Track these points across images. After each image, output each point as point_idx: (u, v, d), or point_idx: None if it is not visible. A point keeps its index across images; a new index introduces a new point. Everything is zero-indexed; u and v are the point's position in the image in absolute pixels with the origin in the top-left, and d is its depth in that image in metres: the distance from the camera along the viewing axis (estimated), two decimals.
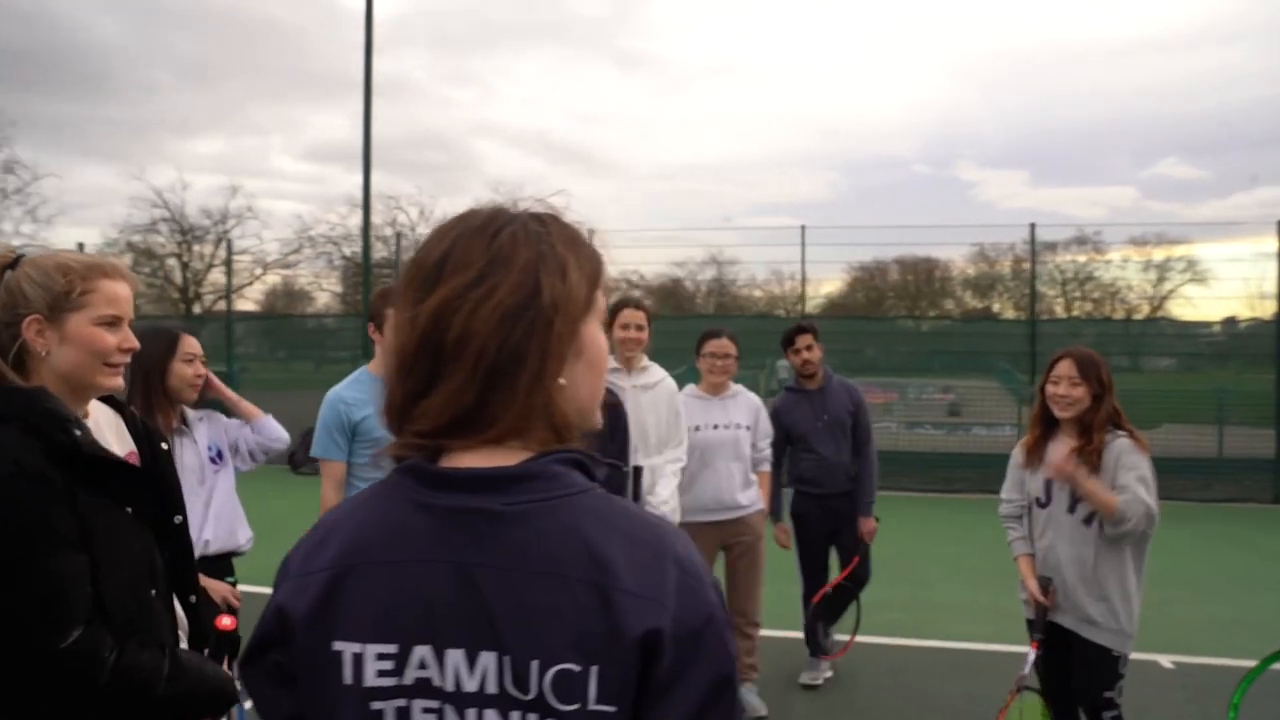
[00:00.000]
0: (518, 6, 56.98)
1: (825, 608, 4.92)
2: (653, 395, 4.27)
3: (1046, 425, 3.47)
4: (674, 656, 0.90)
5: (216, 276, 32.10)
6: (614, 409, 3.92)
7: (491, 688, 0.91)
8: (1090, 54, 54.23)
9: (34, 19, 41.51)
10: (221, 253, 32.75)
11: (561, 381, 0.97)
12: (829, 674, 4.96)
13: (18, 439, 1.56)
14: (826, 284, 30.08)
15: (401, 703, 0.93)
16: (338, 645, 0.94)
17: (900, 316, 29.52)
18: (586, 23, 56.16)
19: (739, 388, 4.68)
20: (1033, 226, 13.34)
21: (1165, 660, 5.21)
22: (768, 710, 4.48)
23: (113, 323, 1.74)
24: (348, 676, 0.94)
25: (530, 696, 0.90)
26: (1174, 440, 11.79)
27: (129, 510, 1.70)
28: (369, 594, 0.95)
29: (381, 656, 0.93)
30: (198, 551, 3.13)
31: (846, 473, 4.89)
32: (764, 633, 4.66)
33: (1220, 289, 20.08)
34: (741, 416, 4.57)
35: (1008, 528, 3.63)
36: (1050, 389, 3.42)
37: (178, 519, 1.84)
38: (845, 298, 31.75)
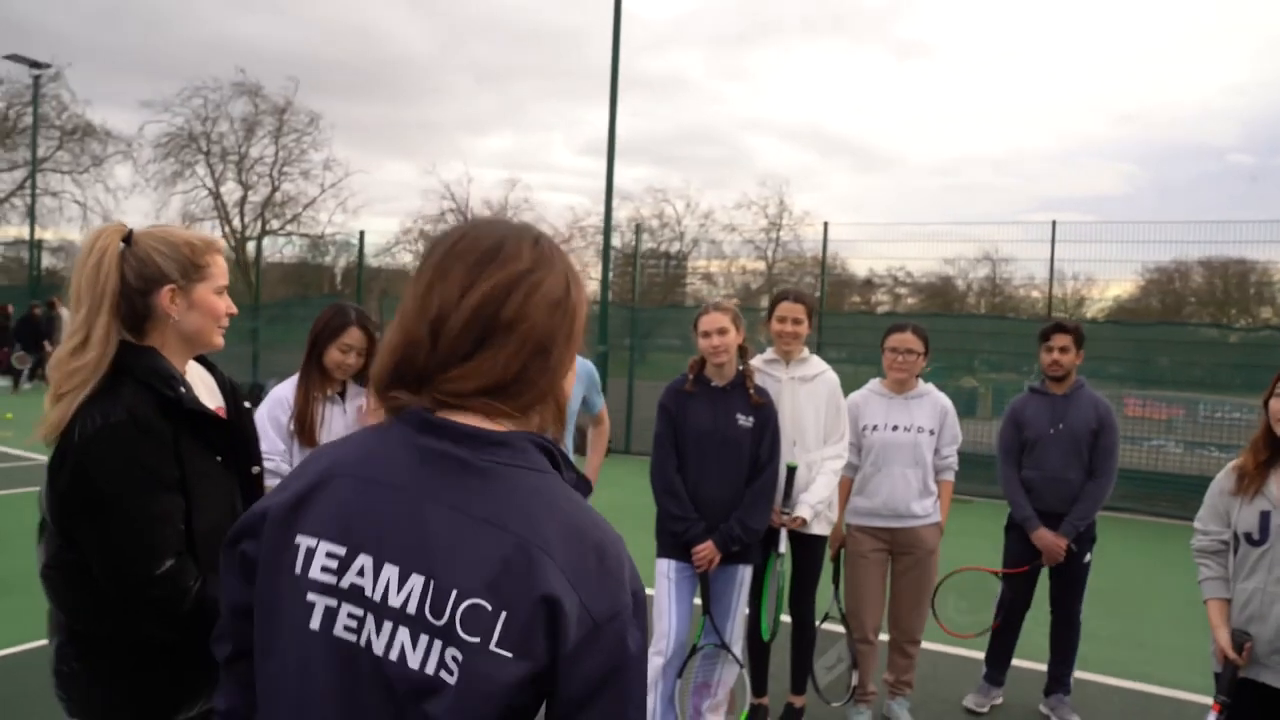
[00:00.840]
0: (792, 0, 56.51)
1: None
2: (811, 387, 4.16)
3: (1272, 447, 3.02)
4: (577, 638, 1.01)
5: None
6: (762, 409, 3.88)
7: (411, 608, 1.02)
8: None
9: (350, 32, 46.84)
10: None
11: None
12: (998, 701, 4.61)
13: (132, 391, 1.81)
14: (1115, 286, 27.57)
15: (332, 602, 1.06)
16: (299, 539, 1.10)
17: (1202, 324, 26.48)
18: (863, 13, 54.76)
19: (928, 387, 4.39)
20: None
21: None
22: None
23: (222, 291, 2.01)
24: (298, 567, 1.08)
25: (441, 623, 1.01)
26: None
27: (219, 459, 1.95)
28: (336, 500, 1.09)
29: (330, 555, 1.07)
30: None
31: (1069, 492, 4.45)
32: (937, 648, 4.39)
33: None
34: (924, 419, 4.28)
35: (1200, 564, 3.19)
36: (1275, 404, 2.97)
37: (255, 469, 2.07)
38: (1136, 301, 28.97)
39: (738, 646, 3.88)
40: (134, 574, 1.77)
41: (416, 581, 1.02)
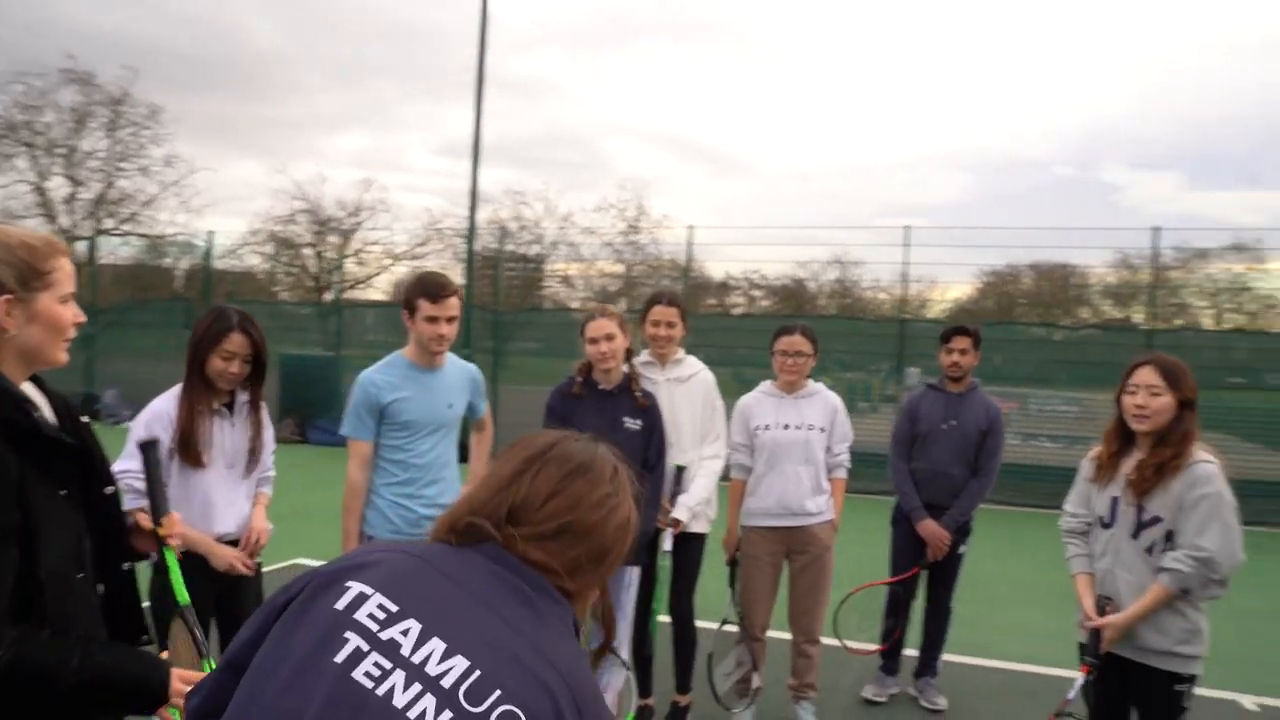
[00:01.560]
0: (658, 6, 57.27)
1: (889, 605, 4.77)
2: (687, 388, 4.22)
3: (1123, 440, 3.24)
4: None
5: (348, 266, 33.61)
6: (648, 411, 3.91)
7: (447, 683, 1.08)
8: (1255, 48, 50.51)
9: (195, 23, 44.44)
10: (354, 243, 34.34)
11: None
12: (895, 690, 4.79)
13: None
14: (955, 288, 29.16)
15: (365, 646, 1.10)
16: (350, 583, 1.16)
17: (1031, 324, 28.30)
18: (720, 20, 56.03)
19: (817, 386, 4.44)
20: (1155, 230, 12.60)
21: (1248, 701, 4.83)
22: None
23: (68, 299, 1.75)
24: (341, 604, 1.13)
25: (476, 710, 1.07)
26: None
27: (63, 493, 1.68)
28: (402, 569, 1.18)
29: (381, 607, 1.13)
30: (235, 535, 3.22)
31: (952, 486, 4.66)
32: (834, 643, 4.51)
33: None
34: (816, 417, 4.32)
35: (1068, 543, 3.39)
36: (1127, 399, 3.17)
37: (109, 490, 1.85)
38: (974, 303, 30.68)
39: (625, 649, 3.88)
40: None
41: (460, 663, 1.09)
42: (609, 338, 3.83)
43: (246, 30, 47.64)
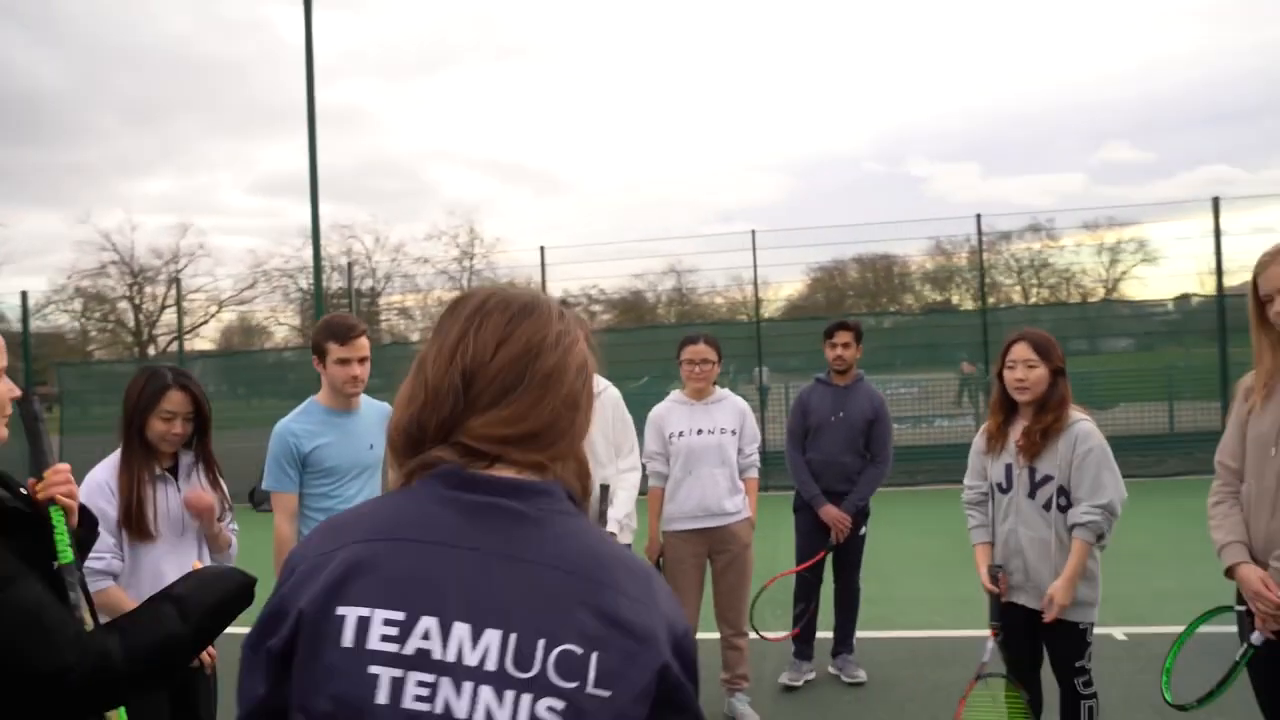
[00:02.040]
0: (467, 29, 56.99)
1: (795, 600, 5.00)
2: (598, 404, 4.30)
3: (1007, 410, 3.55)
4: (661, 660, 1.04)
5: (170, 316, 31.85)
6: None
7: (491, 664, 0.99)
8: (1033, 42, 55.32)
9: None
10: (175, 292, 32.55)
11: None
12: (811, 676, 5.01)
13: None
14: (787, 287, 30.33)
15: (398, 673, 0.99)
16: (340, 610, 1.02)
17: (860, 314, 29.87)
18: (535, 44, 56.35)
19: (724, 392, 4.65)
20: (978, 218, 13.61)
21: (1119, 632, 5.36)
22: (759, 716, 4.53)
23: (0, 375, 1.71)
24: (348, 639, 1.00)
25: (530, 675, 0.99)
26: (1130, 419, 12.05)
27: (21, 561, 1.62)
28: (384, 567, 1.03)
29: (388, 622, 1.00)
30: None
31: (845, 473, 4.93)
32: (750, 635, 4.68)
33: (1171, 267, 20.46)
34: (726, 421, 4.53)
35: (969, 514, 3.70)
36: (1007, 374, 3.48)
37: (55, 565, 1.77)
38: (806, 299, 32.04)
39: None
40: (47, 681, 1.53)
41: (493, 637, 1.00)
42: None
43: (20, 70, 44.28)
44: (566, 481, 1.14)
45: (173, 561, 3.04)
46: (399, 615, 1.01)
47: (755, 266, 13.49)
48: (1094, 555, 3.43)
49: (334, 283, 30.84)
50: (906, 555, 7.85)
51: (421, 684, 0.99)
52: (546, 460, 1.12)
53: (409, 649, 1.00)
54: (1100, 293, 28.33)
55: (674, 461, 4.50)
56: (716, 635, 4.58)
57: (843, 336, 5.02)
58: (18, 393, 1.73)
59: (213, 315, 30.71)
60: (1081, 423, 3.44)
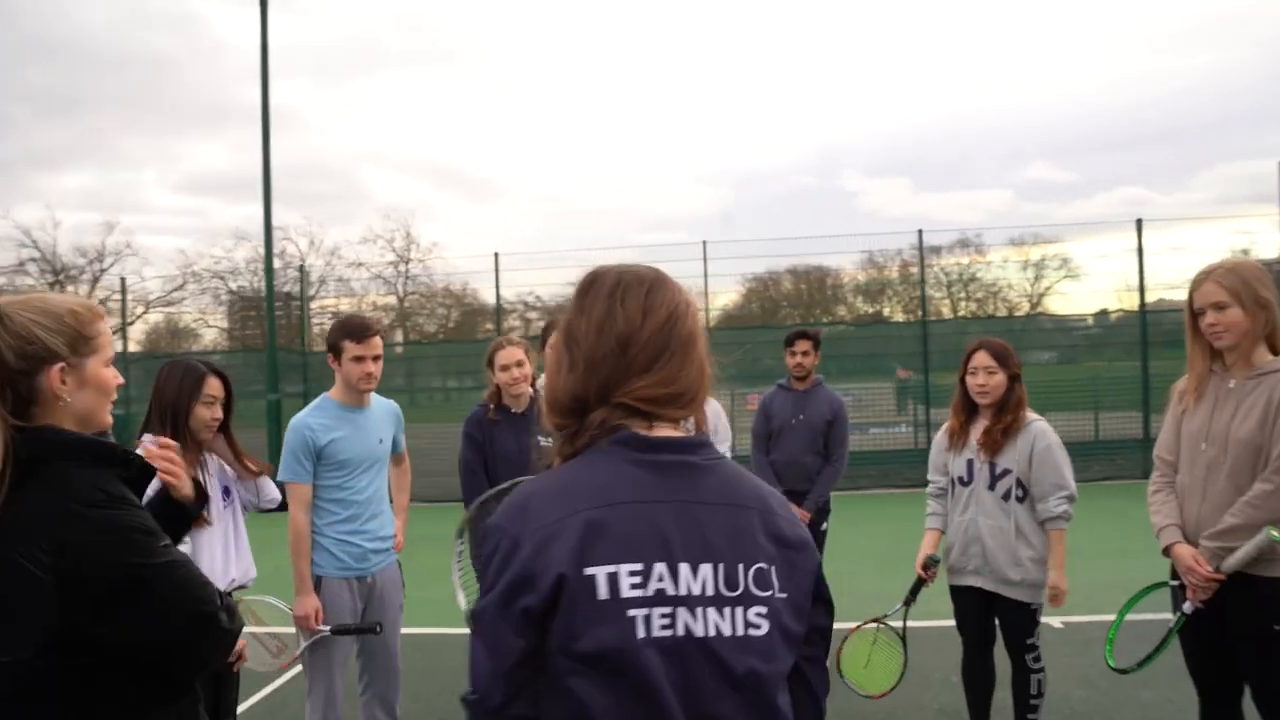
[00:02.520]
0: (400, 33, 56.56)
1: None
2: None
3: (968, 411, 3.93)
4: (815, 562, 1.39)
5: None
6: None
7: (710, 590, 1.27)
8: (964, 63, 57.11)
9: None
10: (100, 292, 31.67)
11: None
12: None
13: (91, 473, 1.65)
14: (722, 296, 30.89)
15: (646, 611, 1.24)
16: (589, 571, 1.24)
17: (795, 325, 30.51)
18: (466, 49, 56.18)
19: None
20: (920, 233, 14.20)
21: (1056, 621, 5.80)
22: None
23: (110, 362, 1.81)
24: (602, 592, 1.23)
25: (738, 592, 1.28)
26: (1057, 427, 12.67)
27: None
28: (614, 529, 1.26)
29: (632, 573, 1.24)
30: (226, 588, 3.23)
31: (806, 473, 5.24)
32: None
33: (1092, 284, 21.49)
34: (704, 421, 4.88)
35: (929, 503, 4.08)
36: (970, 379, 3.86)
37: None
38: (741, 309, 32.62)
39: None
40: (207, 614, 1.71)
41: (707, 569, 1.27)
42: (519, 364, 4.13)
43: None
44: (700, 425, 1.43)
45: (220, 541, 3.23)
46: (638, 566, 1.25)
47: (706, 276, 13.85)
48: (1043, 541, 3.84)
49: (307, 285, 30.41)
50: (854, 554, 8.25)
51: (664, 615, 1.24)
52: (687, 415, 1.38)
53: (650, 590, 1.24)
54: (1025, 307, 29.41)
55: None
56: None
57: (803, 345, 5.36)
58: (121, 380, 1.86)
59: (139, 316, 30.01)
60: (1037, 422, 3.84)
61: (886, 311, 31.82)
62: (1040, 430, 3.83)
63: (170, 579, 1.66)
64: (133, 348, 27.53)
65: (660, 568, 1.26)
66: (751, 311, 33.09)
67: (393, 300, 33.30)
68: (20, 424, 1.64)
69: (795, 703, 1.38)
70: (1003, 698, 4.15)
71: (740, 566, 1.30)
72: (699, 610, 1.26)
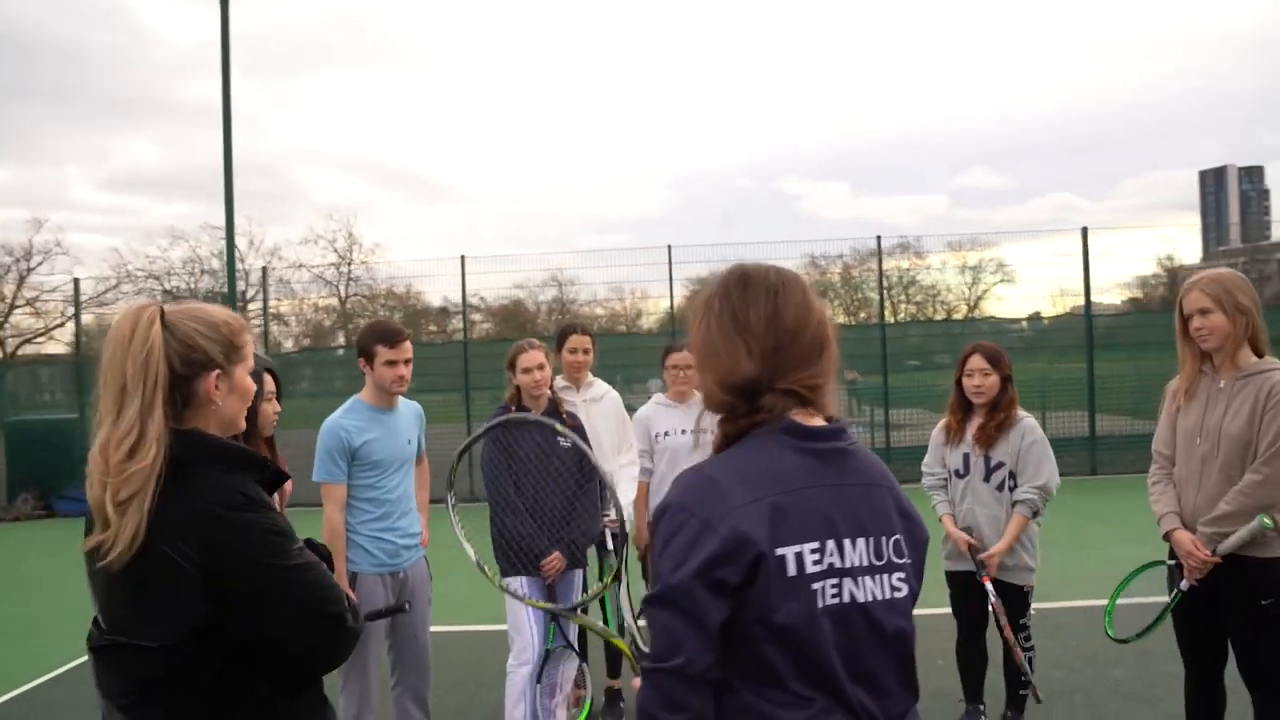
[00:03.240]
0: (346, 31, 55.84)
1: None
2: (601, 407, 4.78)
3: (964, 409, 4.24)
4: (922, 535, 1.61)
5: (19, 318, 30.10)
6: (577, 430, 4.34)
7: (864, 561, 1.49)
8: (903, 71, 58.34)
9: None
10: (27, 291, 30.74)
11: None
12: None
13: (232, 476, 1.76)
14: (665, 299, 31.13)
15: (821, 584, 1.44)
16: (780, 551, 1.42)
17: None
18: (412, 48, 55.69)
19: (698, 394, 5.18)
20: (879, 239, 14.69)
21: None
22: None
23: (249, 371, 1.93)
24: (791, 570, 1.42)
25: (884, 561, 1.51)
26: None
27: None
28: (794, 513, 1.45)
29: (812, 551, 1.44)
30: None
31: None
32: None
33: (1027, 288, 22.26)
34: (706, 421, 5.06)
35: (932, 493, 4.37)
36: (966, 381, 4.17)
37: None
38: (682, 313, 32.87)
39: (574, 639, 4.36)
40: (331, 621, 1.80)
41: (861, 543, 1.49)
42: (540, 367, 4.27)
43: None
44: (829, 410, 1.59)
45: None
46: (815, 545, 1.45)
47: (671, 280, 14.08)
48: (1035, 528, 4.16)
49: (205, 284, 29.83)
50: None
51: (833, 586, 1.46)
52: (829, 406, 1.58)
53: (824, 565, 1.45)
54: (963, 310, 30.23)
55: (659, 459, 4.96)
56: None
57: None
58: (255, 387, 1.98)
59: (70, 318, 29.16)
60: (1026, 419, 4.17)
61: (829, 314, 32.38)
62: (1029, 426, 4.16)
63: (303, 580, 1.77)
64: (60, 349, 26.81)
65: (830, 545, 1.46)
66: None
67: (334, 302, 32.91)
68: (174, 427, 1.76)
69: None
70: (993, 679, 4.46)
71: (884, 539, 1.52)
72: (860, 579, 1.48)
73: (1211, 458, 3.25)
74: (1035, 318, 18.51)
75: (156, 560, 1.67)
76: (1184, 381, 3.38)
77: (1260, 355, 3.25)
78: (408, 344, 3.86)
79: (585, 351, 4.76)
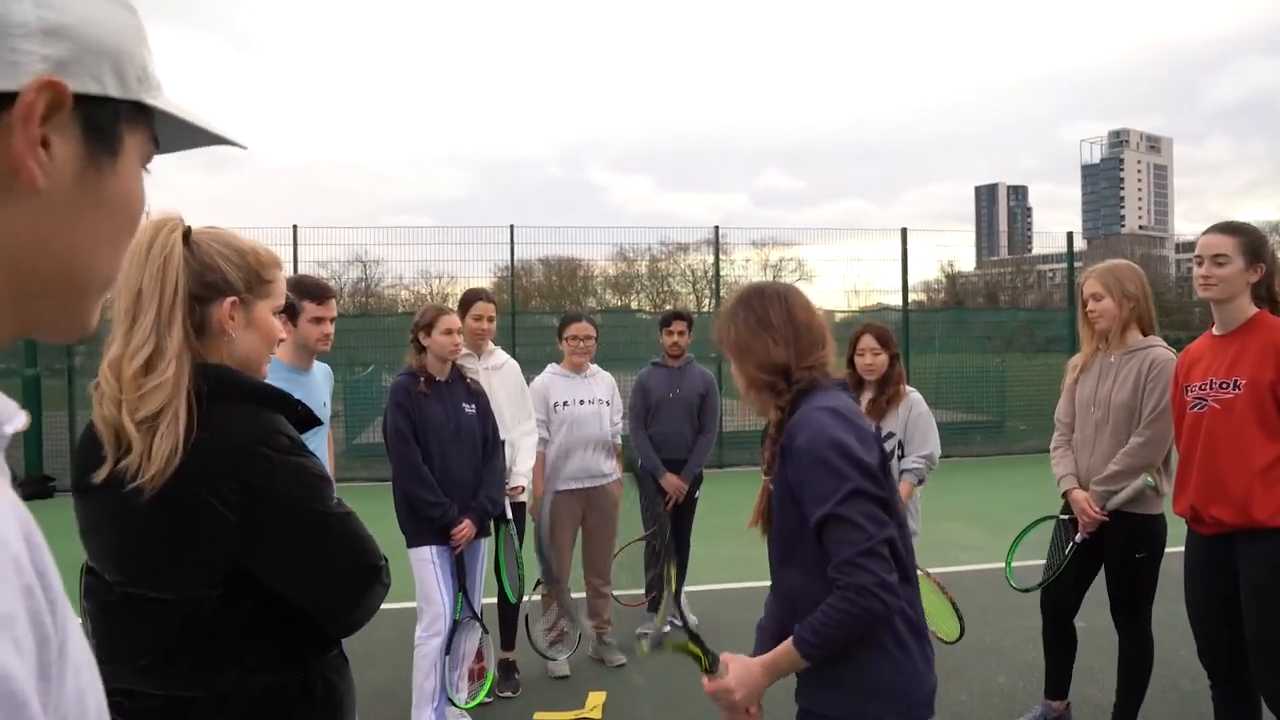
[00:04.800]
0: None
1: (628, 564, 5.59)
2: (502, 375, 4.72)
3: (857, 387, 4.46)
4: None
5: None
6: (480, 396, 4.28)
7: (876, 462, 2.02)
8: (707, 70, 60.13)
9: None
10: None
11: None
12: (667, 629, 5.60)
13: (272, 417, 1.64)
14: (475, 282, 30.72)
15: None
16: (869, 457, 1.96)
17: (543, 312, 30.85)
18: (197, 9, 51.87)
19: (596, 367, 5.19)
20: (716, 229, 15.08)
21: None
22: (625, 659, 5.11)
23: (279, 313, 1.79)
24: (877, 462, 1.98)
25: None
26: None
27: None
28: (862, 428, 2.02)
29: (874, 452, 1.99)
30: None
31: (685, 444, 5.58)
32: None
33: (823, 284, 23.63)
34: (602, 392, 5.09)
35: None
36: (858, 360, 4.41)
37: None
38: (493, 297, 32.53)
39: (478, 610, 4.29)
40: (371, 565, 1.69)
41: (876, 452, 2.01)
42: (460, 330, 4.18)
43: None
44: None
45: None
46: (873, 448, 2.00)
47: (512, 259, 13.91)
48: (918, 495, 4.48)
49: None
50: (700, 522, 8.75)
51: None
52: (834, 375, 2.13)
53: (876, 460, 1.98)
54: None
55: (557, 429, 4.97)
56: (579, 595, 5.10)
57: (678, 325, 5.74)
58: (285, 334, 1.88)
59: None
60: (913, 393, 4.48)
61: (635, 304, 33.06)
62: (916, 399, 4.47)
63: (346, 528, 1.67)
64: None
65: (873, 447, 2.00)
66: (501, 300, 33.17)
67: None
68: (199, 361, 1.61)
69: None
70: None
71: (880, 451, 2.07)
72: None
73: (1103, 424, 3.68)
74: (828, 315, 19.70)
75: (190, 501, 1.53)
76: (1083, 358, 3.83)
77: (1146, 335, 3.69)
78: (333, 301, 3.66)
79: (490, 319, 4.70)
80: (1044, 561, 3.96)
